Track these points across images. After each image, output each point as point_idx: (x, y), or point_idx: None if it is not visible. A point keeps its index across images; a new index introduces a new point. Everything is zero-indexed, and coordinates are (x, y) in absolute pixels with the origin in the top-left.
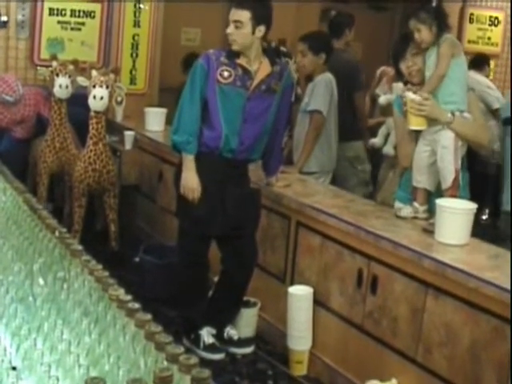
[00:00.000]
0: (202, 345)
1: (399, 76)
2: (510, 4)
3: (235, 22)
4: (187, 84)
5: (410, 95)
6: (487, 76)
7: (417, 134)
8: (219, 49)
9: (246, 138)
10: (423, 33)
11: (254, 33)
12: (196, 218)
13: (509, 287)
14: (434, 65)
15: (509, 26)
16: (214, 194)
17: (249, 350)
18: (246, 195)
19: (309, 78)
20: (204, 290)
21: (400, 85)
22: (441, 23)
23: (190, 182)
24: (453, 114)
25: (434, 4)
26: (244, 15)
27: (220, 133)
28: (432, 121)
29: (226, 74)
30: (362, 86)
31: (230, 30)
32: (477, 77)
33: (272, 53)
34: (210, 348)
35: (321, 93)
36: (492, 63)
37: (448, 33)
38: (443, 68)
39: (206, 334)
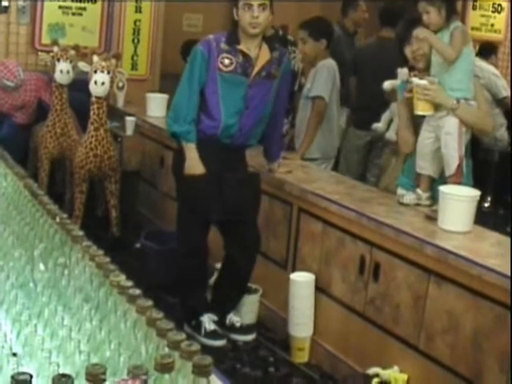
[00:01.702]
0: (203, 331)
1: (404, 61)
2: None
3: (261, 5)
4: (186, 71)
5: (416, 80)
6: (494, 64)
7: (420, 121)
8: (218, 33)
9: (245, 125)
10: (432, 15)
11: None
12: (195, 203)
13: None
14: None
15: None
16: (212, 180)
17: (250, 337)
18: (244, 180)
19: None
20: (203, 276)
21: (405, 70)
22: (450, 7)
23: (195, 169)
24: (458, 100)
25: None
26: None
27: (219, 121)
28: (438, 106)
29: (226, 61)
30: None
31: (257, 12)
32: (483, 65)
33: (279, 41)
34: (212, 334)
35: (323, 79)
36: None
37: (456, 18)
38: (454, 53)
39: (208, 321)
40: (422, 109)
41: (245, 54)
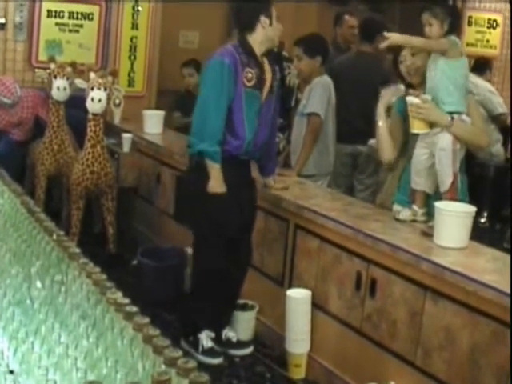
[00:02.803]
0: (200, 348)
1: (400, 78)
2: (509, 6)
3: (278, 17)
4: (210, 86)
5: (410, 99)
6: (489, 80)
7: (412, 140)
8: (229, 45)
9: (258, 140)
10: (434, 27)
11: None
12: (222, 221)
13: (508, 291)
14: (436, 68)
15: (508, 29)
16: (231, 197)
17: (248, 350)
18: (255, 195)
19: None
20: (225, 293)
21: (401, 86)
22: (453, 22)
23: (219, 188)
24: (452, 117)
25: (450, 2)
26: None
27: (243, 140)
28: (433, 124)
29: (249, 75)
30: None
31: (280, 26)
32: (478, 81)
33: (274, 58)
34: (209, 352)
35: (318, 95)
36: None
37: (456, 34)
38: (438, 44)
39: (205, 338)
40: (417, 127)
41: (261, 68)
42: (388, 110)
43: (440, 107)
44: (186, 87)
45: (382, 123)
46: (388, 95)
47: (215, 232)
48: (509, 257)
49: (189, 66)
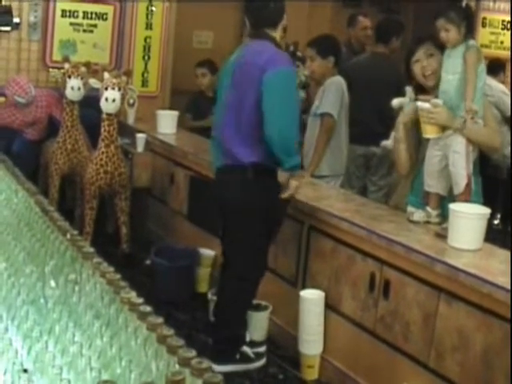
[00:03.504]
0: (252, 357)
1: (409, 79)
2: None
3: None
4: (287, 96)
5: (421, 104)
6: (502, 82)
7: (425, 141)
8: (275, 48)
9: None
10: (452, 33)
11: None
12: (273, 227)
13: None
14: (454, 67)
15: None
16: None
17: (262, 349)
18: None
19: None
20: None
21: (409, 89)
22: (469, 24)
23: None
24: (464, 120)
25: (463, 4)
26: None
27: None
28: (446, 127)
29: None
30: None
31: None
32: (493, 83)
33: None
34: (258, 356)
35: (331, 96)
36: None
37: (472, 35)
38: (474, 79)
39: (246, 347)
40: (430, 132)
41: None
42: (400, 110)
43: (455, 111)
44: (198, 87)
45: (402, 145)
46: (409, 115)
47: (264, 237)
48: None
49: (203, 67)
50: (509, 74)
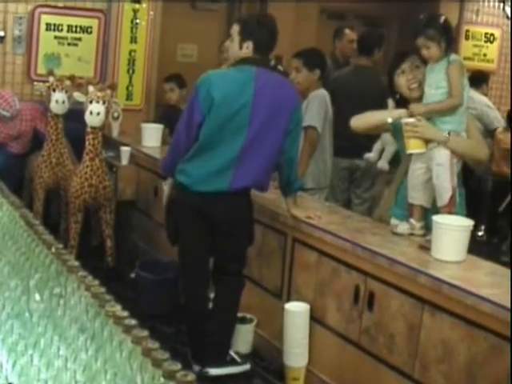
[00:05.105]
0: (239, 360)
1: (392, 91)
2: (507, 21)
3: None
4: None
5: (404, 119)
6: (485, 94)
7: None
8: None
9: None
10: (432, 49)
11: (240, 48)
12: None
13: (508, 305)
14: (436, 82)
15: (505, 43)
16: None
17: (246, 367)
18: None
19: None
20: None
21: (391, 102)
22: (449, 38)
23: None
24: (448, 132)
25: (441, 20)
26: (234, 28)
27: None
28: (429, 140)
29: None
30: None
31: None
32: (475, 96)
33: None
34: (243, 359)
35: (315, 109)
36: None
37: (453, 49)
38: (458, 98)
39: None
40: (413, 147)
41: None
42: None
43: (438, 126)
44: (166, 102)
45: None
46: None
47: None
48: (507, 270)
49: (170, 82)
50: (492, 86)
